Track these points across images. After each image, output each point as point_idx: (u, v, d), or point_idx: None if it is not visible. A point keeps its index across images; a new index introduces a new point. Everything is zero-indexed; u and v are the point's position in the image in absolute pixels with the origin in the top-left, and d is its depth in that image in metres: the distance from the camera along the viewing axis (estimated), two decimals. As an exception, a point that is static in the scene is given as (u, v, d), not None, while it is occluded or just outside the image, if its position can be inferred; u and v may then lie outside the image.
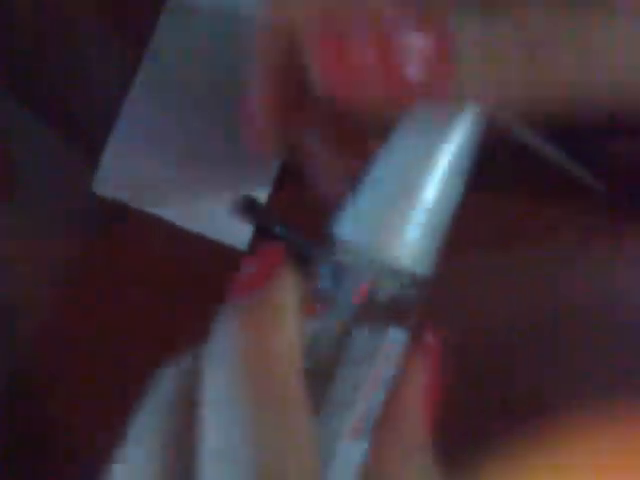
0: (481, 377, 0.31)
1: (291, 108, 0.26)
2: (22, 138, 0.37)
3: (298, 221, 0.37)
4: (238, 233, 0.37)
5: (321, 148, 0.28)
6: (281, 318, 0.19)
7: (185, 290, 0.37)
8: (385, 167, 0.19)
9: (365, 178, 0.19)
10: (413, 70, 0.16)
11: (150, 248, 0.37)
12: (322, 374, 0.20)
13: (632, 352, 0.31)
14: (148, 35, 0.37)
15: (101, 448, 0.20)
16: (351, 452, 0.20)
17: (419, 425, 0.21)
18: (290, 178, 0.37)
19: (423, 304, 0.20)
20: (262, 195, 0.37)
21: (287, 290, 0.19)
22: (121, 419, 0.21)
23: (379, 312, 0.20)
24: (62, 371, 0.37)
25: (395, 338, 0.20)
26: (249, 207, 0.36)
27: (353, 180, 0.19)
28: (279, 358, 0.19)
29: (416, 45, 0.15)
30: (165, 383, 0.21)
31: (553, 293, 0.33)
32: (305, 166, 0.30)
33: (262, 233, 0.36)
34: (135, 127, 0.37)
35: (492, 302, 0.36)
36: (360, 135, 0.26)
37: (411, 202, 0.18)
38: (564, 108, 0.17)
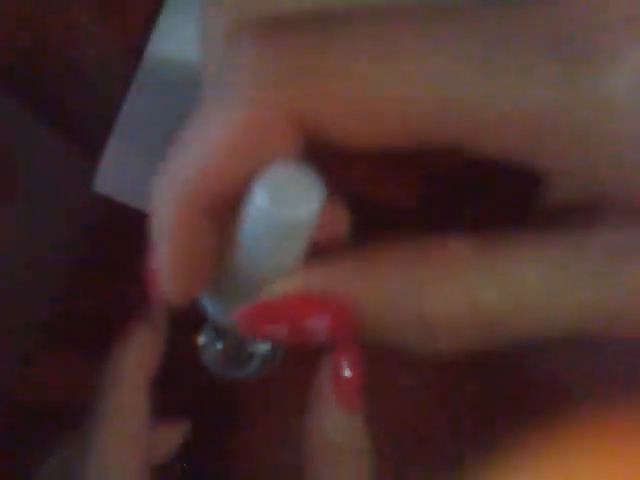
0: (492, 369, 0.31)
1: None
2: (22, 138, 0.37)
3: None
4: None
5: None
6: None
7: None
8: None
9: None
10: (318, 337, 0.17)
11: (150, 247, 0.37)
12: None
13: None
14: (148, 36, 0.37)
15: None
16: None
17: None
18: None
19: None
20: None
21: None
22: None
23: None
24: (64, 366, 0.37)
25: None
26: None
27: None
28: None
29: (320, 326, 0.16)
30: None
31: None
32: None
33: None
34: (135, 127, 0.37)
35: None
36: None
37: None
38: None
